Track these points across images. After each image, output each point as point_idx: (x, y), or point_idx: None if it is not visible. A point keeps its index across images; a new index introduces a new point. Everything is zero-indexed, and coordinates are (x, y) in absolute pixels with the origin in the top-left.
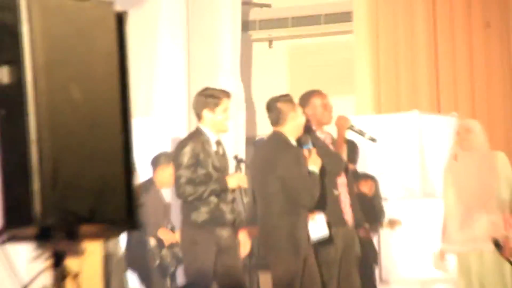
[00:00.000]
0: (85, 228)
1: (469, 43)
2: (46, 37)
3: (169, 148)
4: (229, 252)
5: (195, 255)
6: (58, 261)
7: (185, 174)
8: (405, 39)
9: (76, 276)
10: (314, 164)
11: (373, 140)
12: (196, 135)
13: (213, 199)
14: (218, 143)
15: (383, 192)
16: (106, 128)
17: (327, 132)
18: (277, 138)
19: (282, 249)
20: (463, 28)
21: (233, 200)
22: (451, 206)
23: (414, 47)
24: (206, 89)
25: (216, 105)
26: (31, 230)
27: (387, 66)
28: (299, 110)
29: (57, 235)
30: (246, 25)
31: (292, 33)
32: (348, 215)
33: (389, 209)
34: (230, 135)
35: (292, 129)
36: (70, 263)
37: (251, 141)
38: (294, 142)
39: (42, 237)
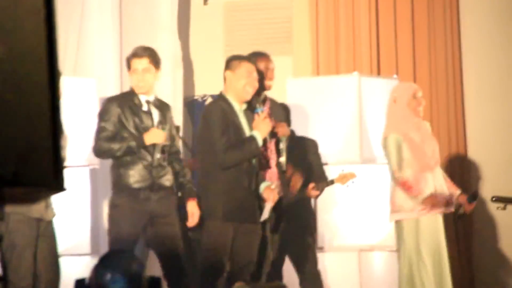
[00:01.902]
0: (9, 191)
1: (411, 3)
2: None
3: (97, 109)
4: (163, 219)
5: (114, 219)
6: None
7: (103, 130)
8: None
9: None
10: (256, 129)
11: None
12: (126, 95)
13: (137, 160)
14: (149, 103)
15: (323, 157)
16: (31, 87)
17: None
18: (215, 100)
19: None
20: None
21: (161, 160)
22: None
23: (355, 7)
24: (135, 48)
25: (131, 65)
26: None
27: (326, 26)
28: (239, 72)
29: None
30: None
31: None
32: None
33: (329, 174)
34: (167, 94)
35: (232, 92)
36: None
37: (188, 101)
38: (235, 105)
39: None
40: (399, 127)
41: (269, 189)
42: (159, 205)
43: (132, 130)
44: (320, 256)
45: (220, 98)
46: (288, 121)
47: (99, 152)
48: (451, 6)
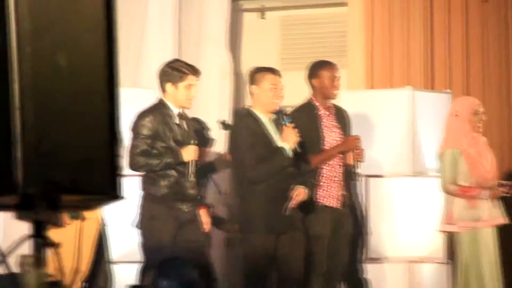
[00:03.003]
0: (66, 198)
1: (465, 18)
2: (32, 3)
3: None
4: (191, 226)
5: (153, 230)
6: (38, 230)
7: (140, 145)
8: (400, 13)
9: (56, 246)
10: (285, 141)
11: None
12: (158, 108)
13: (172, 173)
14: (181, 116)
15: (375, 169)
16: (91, 97)
17: (332, 104)
18: (241, 114)
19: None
20: (460, 2)
21: (194, 175)
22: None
23: (409, 21)
24: (175, 61)
25: (180, 80)
26: (12, 199)
27: (381, 40)
28: (265, 85)
29: (38, 204)
30: None
31: (285, 4)
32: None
33: (379, 187)
34: (214, 107)
35: (259, 105)
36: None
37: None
38: (262, 117)
39: (23, 206)
40: (458, 141)
41: (298, 189)
42: (189, 214)
43: (168, 143)
44: (371, 267)
45: (247, 114)
46: (348, 127)
47: (135, 166)
48: (505, 20)
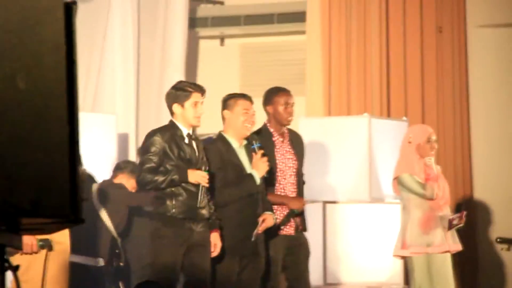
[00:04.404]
0: (26, 221)
1: (421, 47)
2: None
3: (114, 144)
4: (199, 250)
5: (160, 249)
6: None
7: (147, 162)
8: (357, 41)
9: (16, 269)
10: (255, 168)
11: None
12: (167, 127)
13: (181, 192)
14: (190, 136)
15: (332, 195)
16: (51, 120)
17: (286, 130)
18: (214, 140)
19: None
20: (415, 32)
21: (205, 196)
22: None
23: (366, 50)
24: (179, 82)
25: (185, 98)
26: None
27: (338, 68)
28: (237, 110)
29: None
30: (194, 22)
31: (244, 32)
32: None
33: (336, 213)
34: None
35: (231, 130)
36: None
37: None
38: (233, 143)
39: None
40: (410, 167)
41: (266, 215)
42: (199, 235)
43: (176, 161)
44: None
45: (218, 138)
46: (303, 153)
47: (142, 183)
48: (459, 50)
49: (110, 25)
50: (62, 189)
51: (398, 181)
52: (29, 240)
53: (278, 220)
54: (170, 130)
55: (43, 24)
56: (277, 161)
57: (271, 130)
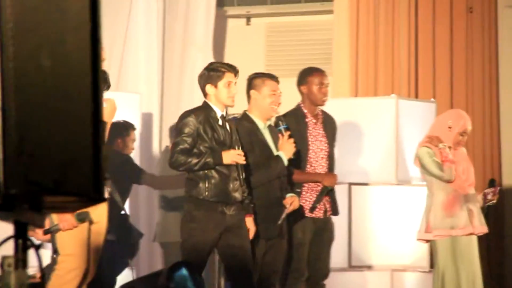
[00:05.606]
0: (49, 199)
1: (450, 27)
2: (15, 3)
3: (139, 123)
4: (235, 231)
5: (191, 231)
6: (20, 231)
7: (180, 143)
8: (385, 21)
9: (38, 247)
10: (282, 150)
11: None
12: (201, 108)
13: (214, 174)
14: (224, 118)
15: (358, 177)
16: (75, 98)
17: (320, 111)
18: (240, 119)
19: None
20: (445, 12)
21: (239, 178)
22: (437, 192)
23: (394, 30)
24: (211, 63)
25: (218, 79)
26: None
27: (366, 48)
28: (264, 91)
29: (20, 205)
30: (222, 1)
31: (271, 11)
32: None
33: (362, 195)
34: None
35: (257, 110)
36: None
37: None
38: (259, 123)
39: (5, 207)
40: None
41: (292, 198)
42: (232, 218)
43: (210, 143)
44: (354, 275)
45: (243, 118)
46: (335, 136)
47: (175, 164)
48: (489, 31)
49: (134, 3)
50: (85, 167)
51: (416, 155)
52: (67, 216)
53: (311, 201)
54: (204, 111)
55: (68, 1)
56: (309, 143)
57: (305, 111)
